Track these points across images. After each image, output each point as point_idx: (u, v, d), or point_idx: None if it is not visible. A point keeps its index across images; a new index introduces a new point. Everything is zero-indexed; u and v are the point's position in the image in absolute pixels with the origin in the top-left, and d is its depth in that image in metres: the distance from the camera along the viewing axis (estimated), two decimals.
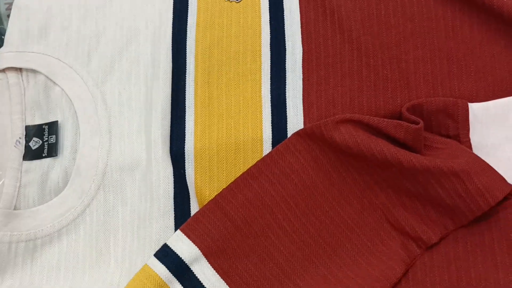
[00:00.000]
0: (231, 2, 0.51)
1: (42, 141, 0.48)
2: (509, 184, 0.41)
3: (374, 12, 0.49)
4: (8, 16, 0.56)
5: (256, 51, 0.49)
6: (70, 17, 0.51)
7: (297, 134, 0.45)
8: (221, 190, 0.44)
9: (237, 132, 0.46)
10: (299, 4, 0.50)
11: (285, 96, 0.47)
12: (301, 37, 0.49)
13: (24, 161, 0.48)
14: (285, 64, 0.48)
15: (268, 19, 0.50)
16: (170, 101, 0.48)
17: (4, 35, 0.54)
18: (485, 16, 0.47)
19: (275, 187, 0.44)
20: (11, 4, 0.56)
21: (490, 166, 0.41)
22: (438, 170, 0.40)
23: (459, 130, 0.44)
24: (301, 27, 0.49)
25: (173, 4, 0.51)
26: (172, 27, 0.50)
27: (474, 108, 0.44)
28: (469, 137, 0.44)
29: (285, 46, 0.49)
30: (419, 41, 0.47)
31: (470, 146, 0.44)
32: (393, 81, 0.46)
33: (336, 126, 0.43)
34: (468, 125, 0.44)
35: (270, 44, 0.49)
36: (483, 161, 0.42)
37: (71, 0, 0.52)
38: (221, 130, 0.46)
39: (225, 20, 0.50)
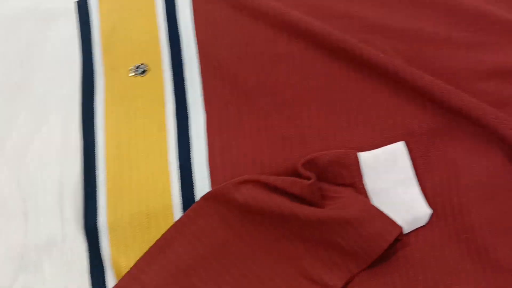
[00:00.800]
0: (136, 77, 0.54)
1: None
2: (398, 226, 0.44)
3: (270, 74, 0.52)
4: None
5: (162, 122, 0.51)
6: None
7: (204, 198, 0.47)
8: (137, 259, 0.46)
9: (148, 201, 0.48)
10: (201, 72, 0.53)
11: (191, 163, 0.49)
12: (204, 104, 0.52)
13: None
14: (190, 132, 0.51)
15: (172, 89, 0.53)
16: (82, 179, 0.50)
17: None
18: (368, 70, 0.51)
19: (188, 252, 0.46)
20: None
21: (380, 211, 0.44)
22: (332, 220, 0.43)
23: (353, 179, 0.47)
24: (203, 94, 0.52)
25: (81, 83, 0.54)
26: (81, 106, 0.53)
27: (364, 157, 0.48)
28: (363, 184, 0.47)
29: (188, 114, 0.52)
30: (313, 98, 0.51)
31: (365, 192, 0.47)
32: (290, 139, 0.49)
33: (237, 187, 0.46)
34: (360, 173, 0.47)
35: (175, 113, 0.52)
36: (374, 207, 0.45)
37: None
38: (133, 201, 0.48)
39: (131, 93, 0.53)
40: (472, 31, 0.52)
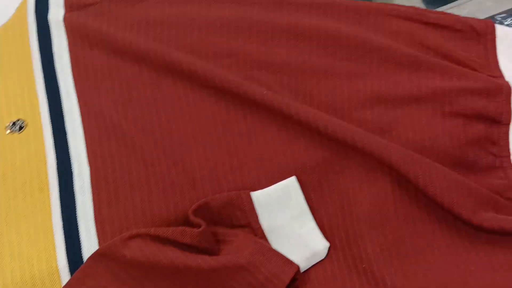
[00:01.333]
0: (12, 134, 0.50)
1: None
2: (295, 265, 0.43)
3: (154, 119, 0.50)
4: None
5: (43, 179, 0.48)
6: None
7: (92, 257, 0.44)
8: None
9: (32, 267, 0.45)
10: (82, 124, 0.51)
11: (76, 220, 0.46)
12: (87, 156, 0.49)
13: None
14: (73, 187, 0.48)
15: (52, 144, 0.50)
16: None
17: None
18: (254, 108, 0.50)
19: None
20: None
21: (275, 251, 0.43)
22: (225, 268, 0.42)
23: (248, 219, 0.46)
24: (86, 146, 0.50)
25: None
26: None
27: (257, 196, 0.47)
28: (259, 223, 0.46)
29: (71, 169, 0.49)
30: (200, 140, 0.49)
31: (262, 231, 0.46)
32: (180, 184, 0.48)
33: (125, 243, 0.43)
34: (255, 213, 0.46)
35: (57, 169, 0.49)
36: (269, 248, 0.44)
37: None
38: (15, 269, 0.45)
39: (8, 152, 0.50)
40: (353, 60, 0.53)
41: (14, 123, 0.51)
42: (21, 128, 0.51)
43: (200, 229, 0.44)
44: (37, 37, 0.54)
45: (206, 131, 0.50)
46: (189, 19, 0.55)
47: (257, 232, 0.46)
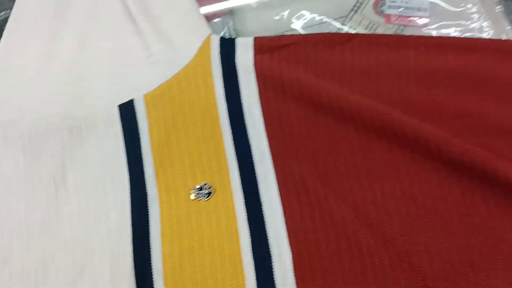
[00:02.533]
0: (198, 201, 0.43)
1: None
2: None
3: (369, 199, 0.41)
4: None
5: (237, 263, 0.41)
6: (10, 245, 0.43)
7: None
8: None
9: None
10: (280, 195, 0.43)
11: None
12: (288, 239, 0.41)
13: None
14: (274, 278, 0.40)
15: (245, 218, 0.42)
16: None
17: None
18: (500, 188, 0.40)
19: None
20: None
21: None
22: None
23: None
24: (286, 225, 0.41)
25: (131, 215, 0.43)
26: (133, 244, 0.42)
27: None
28: None
29: (270, 254, 0.41)
30: (429, 227, 0.40)
31: None
32: (407, 284, 0.38)
33: None
34: None
35: (253, 252, 0.41)
36: None
37: (10, 223, 0.44)
38: None
39: (194, 223, 0.42)
40: None
41: (200, 188, 0.44)
42: (208, 194, 0.43)
43: None
44: (223, 85, 0.47)
45: (437, 216, 0.40)
46: (404, 67, 0.45)
47: None
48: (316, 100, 0.44)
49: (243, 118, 0.46)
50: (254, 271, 0.40)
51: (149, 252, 0.42)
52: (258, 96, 0.46)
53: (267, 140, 0.44)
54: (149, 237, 0.42)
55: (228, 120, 0.46)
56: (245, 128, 0.45)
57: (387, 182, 0.42)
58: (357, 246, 0.40)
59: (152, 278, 0.41)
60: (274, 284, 0.40)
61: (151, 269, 0.41)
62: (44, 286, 0.41)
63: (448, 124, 0.42)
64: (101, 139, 0.46)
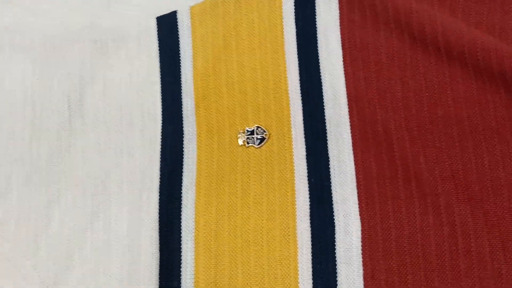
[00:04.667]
0: (247, 147, 0.34)
1: None
2: None
3: (472, 163, 0.31)
4: None
5: (289, 230, 0.32)
6: (9, 180, 0.35)
7: None
8: None
9: None
10: (353, 149, 0.33)
11: None
12: (359, 205, 0.32)
13: None
14: (335, 251, 0.31)
15: (306, 174, 0.33)
16: None
17: None
18: None
19: None
20: None
21: None
22: None
23: None
24: (358, 188, 0.33)
25: (160, 157, 0.34)
26: (159, 193, 0.33)
27: None
28: None
29: (334, 224, 0.32)
30: None
31: None
32: (510, 279, 0.29)
33: None
34: None
35: (311, 220, 0.32)
36: None
37: (12, 151, 0.35)
38: None
39: (239, 176, 0.33)
40: None
41: (251, 132, 0.34)
42: (261, 140, 0.34)
43: None
44: (294, 2, 0.36)
45: None
46: None
47: None
48: (417, 31, 0.33)
49: (316, 47, 0.35)
50: (310, 241, 0.32)
51: (180, 205, 0.33)
52: (339, 19, 0.35)
53: (344, 77, 0.34)
54: (181, 187, 0.33)
55: (296, 48, 0.35)
56: (317, 59, 0.35)
57: (499, 147, 0.32)
58: (450, 224, 0.30)
59: (180, 237, 0.32)
60: (335, 260, 0.31)
61: (180, 226, 0.33)
62: (46, 233, 0.33)
63: None
64: (131, 58, 0.36)
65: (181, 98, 0.35)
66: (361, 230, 0.32)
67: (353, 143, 0.33)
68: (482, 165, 0.32)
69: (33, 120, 0.35)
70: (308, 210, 0.32)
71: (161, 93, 0.35)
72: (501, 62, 0.31)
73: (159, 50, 0.36)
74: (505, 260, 0.30)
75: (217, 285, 0.31)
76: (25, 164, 0.35)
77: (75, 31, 0.37)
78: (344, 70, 0.34)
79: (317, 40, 0.35)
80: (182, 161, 0.34)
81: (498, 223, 0.31)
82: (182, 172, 0.34)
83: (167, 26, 0.37)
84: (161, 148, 0.34)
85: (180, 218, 0.33)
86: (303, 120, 0.34)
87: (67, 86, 0.36)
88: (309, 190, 0.33)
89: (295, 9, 0.36)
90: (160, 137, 0.34)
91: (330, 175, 0.33)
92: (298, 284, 0.31)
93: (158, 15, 0.37)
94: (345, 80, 0.34)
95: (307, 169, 0.33)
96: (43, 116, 0.35)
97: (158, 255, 0.32)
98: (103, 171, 0.34)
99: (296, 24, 0.36)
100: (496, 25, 0.33)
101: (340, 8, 0.35)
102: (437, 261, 0.30)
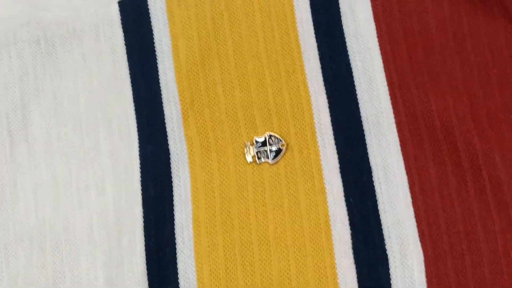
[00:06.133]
0: (259, 164, 0.25)
1: None
2: None
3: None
4: None
5: (326, 268, 0.24)
6: None
7: None
8: None
9: None
10: (402, 151, 0.26)
11: None
12: (416, 222, 0.24)
13: None
14: None
15: (342, 191, 0.26)
16: None
17: None
18: None
19: None
20: None
21: None
22: None
23: None
24: (413, 203, 0.25)
25: (141, 190, 0.26)
26: (145, 247, 0.25)
27: None
28: None
29: (385, 248, 0.25)
30: None
31: None
32: None
33: None
34: None
35: (353, 247, 0.24)
36: None
37: None
38: None
39: (252, 205, 0.26)
40: None
41: (262, 143, 0.25)
42: (277, 153, 0.25)
43: None
44: None
45: None
46: None
47: None
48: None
49: (339, 21, 0.27)
50: (357, 285, 0.24)
51: (175, 257, 0.25)
52: (372, 14, 0.27)
53: (382, 59, 0.26)
54: (173, 230, 0.25)
55: (312, 26, 0.27)
56: (343, 38, 0.27)
57: None
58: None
59: None
60: None
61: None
62: None
63: None
64: (89, 59, 0.27)
65: (162, 107, 0.26)
66: (424, 262, 0.25)
67: (401, 145, 0.26)
68: None
69: None
70: (350, 242, 0.25)
71: (134, 103, 0.27)
72: None
73: (126, 45, 0.27)
74: None
75: None
76: None
77: (9, 30, 0.28)
78: (380, 49, 0.26)
79: (340, 12, 0.27)
80: (172, 193, 0.25)
81: None
82: (173, 208, 0.25)
83: (134, 11, 0.28)
84: (141, 179, 0.25)
85: (177, 276, 0.24)
86: (331, 121, 0.26)
87: (3, 106, 0.27)
88: (348, 215, 0.25)
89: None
90: (139, 163, 0.26)
91: (375, 191, 0.25)
92: None
93: None
94: (383, 62, 0.26)
95: (343, 186, 0.26)
96: None
97: None
98: (63, 216, 0.25)
99: (312, 15, 0.27)
100: None
101: (373, 5, 0.27)
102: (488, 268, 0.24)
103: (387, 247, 0.25)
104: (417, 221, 0.25)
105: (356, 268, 0.25)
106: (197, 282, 0.25)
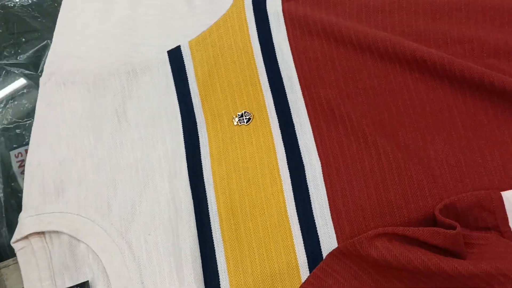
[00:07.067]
0: (240, 126, 0.51)
1: None
2: None
3: (384, 111, 0.48)
4: (22, 173, 0.56)
5: (274, 171, 0.48)
6: (84, 169, 0.51)
7: (332, 255, 0.43)
8: None
9: (271, 261, 0.45)
10: (308, 116, 0.50)
11: (313, 215, 0.46)
12: (316, 148, 0.48)
13: None
14: (306, 180, 0.47)
15: (280, 136, 0.50)
16: (197, 240, 0.47)
17: (20, 193, 0.55)
18: (500, 101, 0.46)
19: None
20: (22, 161, 0.56)
21: None
22: (487, 274, 0.39)
23: (497, 221, 0.43)
24: (314, 138, 0.49)
25: (184, 139, 0.51)
26: (187, 162, 0.50)
27: (508, 196, 0.43)
28: (509, 226, 0.43)
29: (303, 162, 0.48)
30: (436, 135, 0.46)
31: (511, 235, 0.43)
32: (418, 179, 0.45)
33: (371, 242, 0.42)
34: (506, 214, 0.43)
35: (287, 162, 0.48)
36: None
37: (83, 151, 0.52)
38: (254, 263, 0.45)
39: (238, 144, 0.50)
40: None
41: (241, 115, 0.51)
42: (248, 120, 0.51)
43: (455, 231, 0.41)
44: (256, 28, 0.54)
45: (441, 124, 0.47)
46: (413, 4, 0.52)
47: (505, 235, 0.43)
48: (338, 35, 0.51)
49: (274, 55, 0.53)
50: (289, 178, 0.48)
51: (201, 168, 0.50)
52: (287, 36, 0.54)
53: (296, 71, 0.52)
54: (200, 157, 0.50)
55: (262, 57, 0.53)
56: (277, 62, 0.53)
57: (401, 100, 0.49)
58: (376, 153, 0.47)
59: (204, 187, 0.49)
60: (308, 187, 0.47)
61: (203, 181, 0.49)
62: (115, 199, 0.50)
63: (451, 49, 0.49)
64: (154, 79, 0.54)
65: (191, 99, 0.53)
66: (320, 163, 0.47)
67: (307, 112, 0.50)
68: (391, 113, 0.48)
69: (93, 129, 0.53)
70: (285, 157, 0.48)
71: (177, 97, 0.53)
72: (393, 47, 0.49)
73: (172, 71, 0.54)
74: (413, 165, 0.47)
75: (232, 201, 0.47)
76: (93, 157, 0.52)
77: (115, 67, 0.55)
78: (295, 66, 0.52)
79: (275, 51, 0.53)
80: (198, 141, 0.51)
81: (406, 146, 0.47)
82: (199, 147, 0.51)
83: (175, 55, 0.55)
84: (183, 134, 0.52)
85: (202, 175, 0.49)
86: (274, 103, 0.51)
87: (114, 104, 0.54)
88: (283, 145, 0.49)
89: (257, 34, 0.54)
90: (181, 127, 0.52)
91: (296, 134, 0.49)
92: (285, 200, 0.47)
93: (168, 50, 0.55)
94: (297, 72, 0.51)
95: (281, 133, 0.50)
96: (102, 124, 0.53)
97: (191, 196, 0.49)
98: (145, 154, 0.51)
99: (260, 43, 0.54)
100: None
101: (287, 29, 0.54)
102: (370, 173, 0.46)
103: (303, 158, 0.47)
104: (316, 147, 0.49)
105: (289, 168, 0.47)
106: (213, 181, 0.47)
